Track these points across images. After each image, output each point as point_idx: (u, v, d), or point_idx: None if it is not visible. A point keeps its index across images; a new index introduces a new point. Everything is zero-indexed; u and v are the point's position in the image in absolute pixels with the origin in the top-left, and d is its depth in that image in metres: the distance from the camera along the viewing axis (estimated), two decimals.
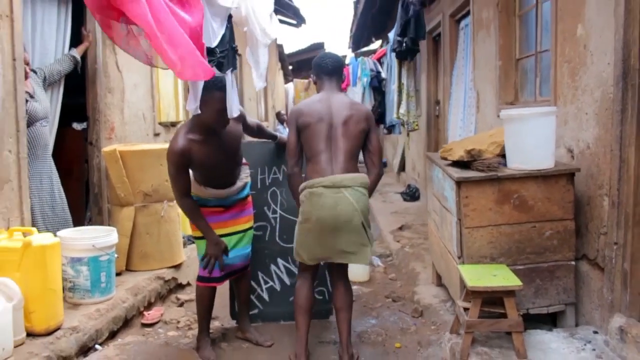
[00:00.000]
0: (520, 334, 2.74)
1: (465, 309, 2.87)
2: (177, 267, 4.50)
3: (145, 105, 5.43)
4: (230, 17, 3.46)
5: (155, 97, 5.60)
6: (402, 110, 6.89)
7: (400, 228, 6.29)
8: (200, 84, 2.94)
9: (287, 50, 17.26)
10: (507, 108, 3.98)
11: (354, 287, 4.43)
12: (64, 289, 3.38)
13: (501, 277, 2.83)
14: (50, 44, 4.22)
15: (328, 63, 3.23)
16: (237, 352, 3.41)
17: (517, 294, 2.89)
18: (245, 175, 3.43)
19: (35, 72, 3.96)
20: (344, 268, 3.27)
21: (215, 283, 3.34)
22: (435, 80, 7.44)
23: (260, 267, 3.80)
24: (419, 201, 7.80)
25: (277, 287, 3.83)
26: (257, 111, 11.46)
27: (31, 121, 3.73)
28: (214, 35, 3.08)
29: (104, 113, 4.70)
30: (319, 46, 17.00)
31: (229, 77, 3.01)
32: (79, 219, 4.50)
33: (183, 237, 4.75)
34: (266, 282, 3.83)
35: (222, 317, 3.85)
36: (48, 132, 4.02)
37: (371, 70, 9.16)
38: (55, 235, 3.36)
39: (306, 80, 15.77)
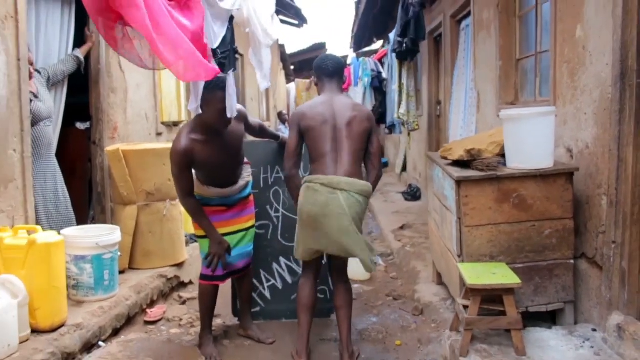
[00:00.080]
0: (519, 332, 2.76)
1: (465, 307, 2.90)
2: (179, 265, 4.53)
3: (148, 105, 5.47)
4: (231, 18, 3.49)
5: (158, 96, 5.64)
6: (402, 110, 6.92)
7: (402, 227, 6.33)
8: (201, 84, 2.97)
9: (289, 50, 17.31)
10: (508, 108, 4.02)
11: (355, 286, 4.48)
12: (67, 286, 3.42)
13: (500, 275, 2.86)
14: (54, 44, 4.26)
15: (329, 65, 3.27)
16: (239, 349, 3.45)
17: (516, 292, 2.92)
18: (247, 174, 3.46)
19: (39, 72, 4.00)
20: (344, 267, 3.31)
21: (218, 281, 3.38)
22: (436, 80, 7.47)
23: (263, 266, 3.83)
24: (420, 201, 7.83)
25: (279, 285, 3.86)
26: (259, 111, 11.50)
27: (35, 121, 3.76)
28: (215, 37, 3.11)
29: (107, 113, 4.74)
30: (321, 46, 17.03)
31: (230, 78, 3.04)
32: (82, 218, 4.55)
33: (185, 236, 4.79)
34: (268, 280, 3.86)
35: (224, 314, 3.89)
36: (52, 131, 4.06)
37: (372, 70, 9.20)
38: (59, 234, 3.39)
39: (308, 80, 15.79)
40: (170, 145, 3.22)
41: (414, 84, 6.97)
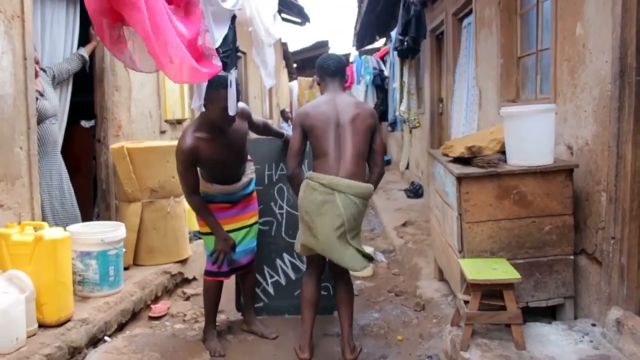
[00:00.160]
0: (519, 326, 2.80)
1: (466, 302, 2.93)
2: (183, 261, 4.58)
3: (152, 103, 5.51)
4: (233, 17, 3.53)
5: (162, 95, 5.68)
6: (403, 107, 6.97)
7: (404, 224, 6.37)
8: (204, 83, 3.01)
9: (292, 48, 17.31)
10: (509, 105, 4.05)
11: (357, 282, 4.52)
12: (73, 282, 3.45)
13: (501, 270, 2.90)
14: (59, 43, 4.31)
15: (330, 64, 3.30)
16: (243, 344, 3.49)
17: (516, 288, 2.96)
18: (250, 171, 3.51)
19: (44, 70, 4.05)
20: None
21: (223, 277, 3.42)
22: (438, 78, 7.49)
23: (266, 262, 3.88)
24: (423, 198, 7.86)
25: (283, 281, 3.91)
26: (262, 109, 11.53)
27: (41, 119, 3.81)
28: (217, 36, 3.14)
29: (111, 111, 4.79)
30: (324, 44, 17.03)
31: (232, 77, 3.08)
32: (87, 215, 4.59)
33: (189, 233, 4.83)
34: (272, 276, 3.91)
35: (227, 310, 3.93)
36: (57, 129, 4.11)
37: (374, 68, 9.24)
38: (65, 230, 3.44)
39: (310, 78, 15.82)
40: (174, 143, 3.26)
41: (415, 81, 7.01)
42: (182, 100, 6.10)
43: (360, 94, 9.30)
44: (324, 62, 3.33)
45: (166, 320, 3.90)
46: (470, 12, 5.61)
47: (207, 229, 3.33)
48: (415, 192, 8.14)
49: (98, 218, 4.76)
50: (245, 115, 3.37)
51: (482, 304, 2.87)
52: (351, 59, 12.90)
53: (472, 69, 5.47)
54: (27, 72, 3.54)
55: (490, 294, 2.88)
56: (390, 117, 8.49)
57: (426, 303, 3.99)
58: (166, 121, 5.79)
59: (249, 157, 3.54)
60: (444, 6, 6.62)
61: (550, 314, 3.26)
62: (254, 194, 3.60)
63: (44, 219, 3.71)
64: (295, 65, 18.64)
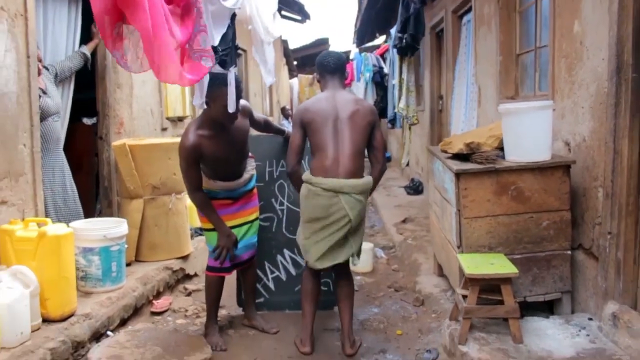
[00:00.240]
0: (516, 320, 2.84)
1: (464, 296, 2.97)
2: (184, 258, 4.61)
3: (153, 100, 5.55)
4: (233, 15, 3.55)
5: (163, 92, 5.71)
6: (402, 104, 7.00)
7: (404, 221, 6.40)
8: (206, 80, 3.04)
9: (292, 45, 17.31)
10: (507, 102, 4.08)
11: (357, 278, 4.56)
12: (76, 278, 3.48)
13: (498, 265, 2.94)
14: (61, 41, 4.33)
15: (330, 62, 3.33)
16: (244, 339, 3.53)
17: (514, 282, 3.00)
18: (251, 168, 3.54)
19: (47, 68, 4.08)
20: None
21: (225, 273, 3.46)
22: (438, 75, 7.52)
23: (267, 257, 3.91)
24: (423, 195, 7.89)
25: (283, 276, 3.94)
26: (262, 106, 11.56)
27: (44, 116, 3.84)
28: (216, 34, 3.17)
29: (113, 108, 4.82)
30: (324, 41, 17.04)
31: (232, 75, 3.11)
32: (89, 212, 4.63)
33: (190, 229, 4.86)
34: (272, 272, 3.94)
35: (229, 305, 3.97)
36: (60, 126, 4.14)
37: (374, 65, 9.27)
38: (68, 226, 3.47)
39: (311, 76, 15.84)
40: (175, 140, 3.29)
41: (414, 78, 7.04)
42: (183, 98, 6.13)
43: (360, 91, 9.34)
44: (324, 60, 3.36)
45: (168, 315, 3.94)
46: (469, 9, 5.63)
47: (209, 226, 3.37)
48: (415, 188, 8.18)
49: (100, 215, 4.80)
50: (246, 112, 3.41)
51: (480, 299, 2.91)
52: (351, 56, 12.93)
53: (472, 66, 5.50)
54: (30, 70, 3.57)
55: (489, 288, 2.92)
56: (389, 114, 8.52)
57: (425, 298, 4.02)
58: (167, 118, 5.83)
59: (250, 154, 3.58)
60: (443, 3, 6.65)
61: (548, 308, 3.30)
62: (255, 191, 3.64)
63: (46, 216, 3.74)
64: (295, 62, 18.66)
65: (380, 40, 12.89)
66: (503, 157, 3.28)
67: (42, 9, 4.04)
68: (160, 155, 4.40)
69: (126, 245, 3.92)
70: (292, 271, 3.93)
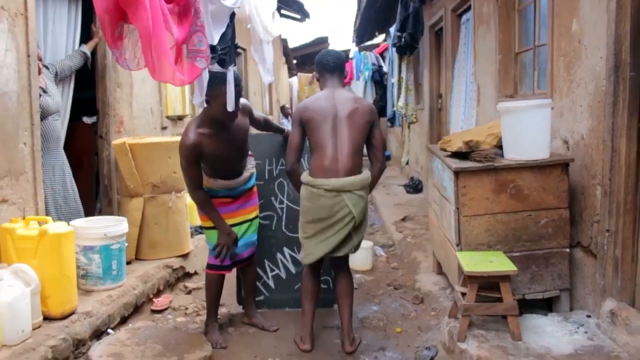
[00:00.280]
0: (515, 317, 2.86)
1: (463, 294, 2.99)
2: (184, 256, 4.63)
3: (153, 99, 5.56)
4: (232, 14, 3.56)
5: (163, 91, 5.72)
6: (401, 103, 7.01)
7: (403, 219, 6.42)
8: (206, 79, 3.05)
9: (292, 44, 17.31)
10: (506, 101, 4.09)
11: (357, 276, 4.58)
12: (77, 276, 3.50)
13: (497, 262, 2.95)
14: (61, 40, 4.34)
15: (329, 60, 3.34)
16: (244, 337, 3.55)
17: (513, 280, 3.01)
18: (251, 166, 3.56)
19: (47, 67, 4.09)
20: (345, 257, 3.40)
21: (225, 271, 3.48)
22: (437, 74, 7.53)
23: (267, 255, 3.93)
24: (422, 193, 7.90)
25: (283, 275, 3.96)
26: (262, 105, 11.56)
27: (44, 115, 3.85)
28: (215, 34, 3.18)
29: (113, 107, 4.83)
30: (323, 40, 17.04)
31: (230, 73, 3.12)
32: (89, 210, 4.64)
33: (190, 228, 4.88)
34: (272, 270, 3.96)
35: (228, 304, 3.98)
36: (60, 125, 4.15)
37: (373, 64, 9.28)
38: (69, 225, 3.49)
39: (310, 74, 15.85)
40: (175, 138, 3.30)
41: (413, 77, 7.05)
42: (183, 97, 6.14)
43: (359, 89, 9.35)
44: (323, 58, 3.37)
45: (168, 313, 3.95)
46: (469, 8, 5.64)
47: (209, 224, 3.38)
48: (414, 187, 8.19)
49: (100, 213, 4.81)
50: (246, 111, 3.42)
51: (479, 296, 2.93)
52: (351, 55, 12.94)
53: (471, 64, 5.51)
54: (31, 69, 3.58)
55: (487, 286, 2.94)
56: (389, 112, 8.54)
57: (425, 296, 4.04)
58: (167, 117, 5.84)
59: (249, 152, 3.59)
60: (443, 2, 6.66)
61: (546, 306, 3.31)
62: (255, 189, 3.65)
63: (47, 214, 3.75)
64: (295, 61, 18.66)
65: (379, 39, 12.90)
66: (502, 156, 3.30)
67: (42, 8, 4.05)
68: (160, 153, 4.41)
69: (126, 244, 3.93)
70: (292, 269, 3.95)
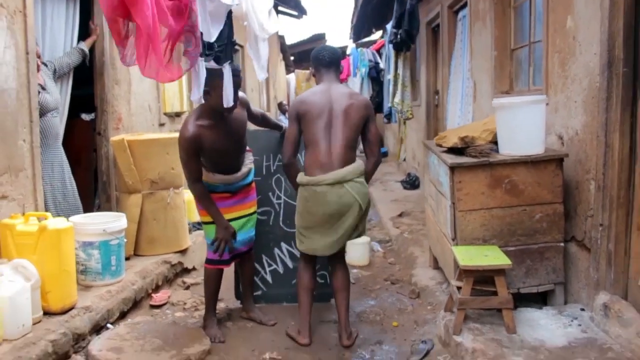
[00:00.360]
0: (510, 311, 2.89)
1: (459, 288, 3.02)
2: (183, 252, 4.65)
3: (151, 96, 5.58)
4: (230, 12, 3.59)
5: (160, 88, 5.74)
6: (397, 99, 7.04)
7: (400, 215, 6.45)
8: (203, 75, 3.07)
9: (289, 41, 17.32)
10: (502, 97, 4.12)
11: (354, 271, 4.61)
12: (76, 271, 3.52)
13: (492, 257, 2.99)
14: (59, 37, 4.37)
15: (325, 55, 3.37)
16: (242, 331, 3.58)
17: (508, 274, 3.05)
18: (249, 162, 3.58)
19: (46, 64, 4.11)
20: (341, 251, 3.43)
21: (223, 265, 3.51)
22: (434, 70, 7.56)
23: (265, 251, 3.96)
24: (419, 189, 7.94)
25: (280, 270, 3.99)
26: (259, 102, 11.58)
27: (43, 112, 3.87)
28: (214, 31, 3.20)
29: (111, 104, 4.85)
30: (320, 37, 17.06)
31: (227, 70, 3.15)
32: (88, 206, 4.66)
33: (189, 224, 4.91)
34: (270, 265, 3.99)
35: (227, 298, 4.01)
36: (59, 122, 4.18)
37: (369, 60, 9.30)
38: (68, 221, 3.51)
39: (307, 71, 15.83)
40: (173, 135, 3.32)
41: (409, 74, 7.07)
42: (180, 93, 6.16)
43: (356, 86, 9.38)
44: (319, 53, 3.40)
45: (167, 308, 3.98)
46: (465, 4, 5.67)
47: (208, 218, 3.41)
48: (411, 183, 8.22)
49: (99, 209, 4.83)
50: (244, 103, 3.46)
51: (474, 290, 2.96)
52: (348, 52, 12.96)
53: (467, 61, 5.54)
54: (30, 66, 3.60)
55: (482, 280, 2.97)
56: (385, 109, 8.57)
57: (421, 291, 4.08)
58: (165, 114, 5.86)
59: (247, 148, 3.62)
60: None
61: (541, 299, 3.35)
62: (253, 185, 3.68)
63: (46, 210, 3.78)
64: (292, 58, 18.66)
65: (376, 35, 12.91)
66: (497, 151, 3.33)
67: (41, 6, 4.07)
68: (159, 150, 4.44)
69: (125, 240, 3.96)
70: (290, 264, 3.98)
